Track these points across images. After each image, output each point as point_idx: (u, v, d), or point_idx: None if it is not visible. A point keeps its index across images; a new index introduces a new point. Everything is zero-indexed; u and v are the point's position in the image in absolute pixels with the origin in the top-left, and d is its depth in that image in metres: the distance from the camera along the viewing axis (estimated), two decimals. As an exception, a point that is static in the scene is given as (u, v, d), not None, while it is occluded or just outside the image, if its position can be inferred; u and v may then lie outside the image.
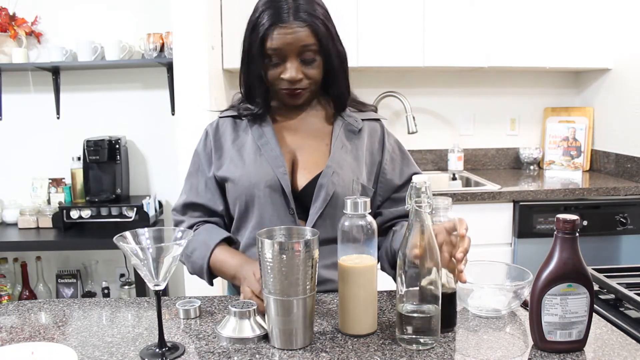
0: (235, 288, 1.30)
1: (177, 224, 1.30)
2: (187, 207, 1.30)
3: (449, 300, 0.97)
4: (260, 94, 1.23)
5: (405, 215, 1.26)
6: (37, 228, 2.68)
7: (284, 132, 1.27)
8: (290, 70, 1.16)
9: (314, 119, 1.29)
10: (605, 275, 1.20)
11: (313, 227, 1.17)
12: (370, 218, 0.97)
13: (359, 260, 0.96)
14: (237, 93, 1.31)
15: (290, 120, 1.28)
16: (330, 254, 1.19)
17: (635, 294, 1.09)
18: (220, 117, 1.31)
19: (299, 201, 1.20)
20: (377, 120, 1.32)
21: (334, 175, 1.20)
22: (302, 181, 1.22)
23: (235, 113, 1.29)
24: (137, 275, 2.59)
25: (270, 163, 1.20)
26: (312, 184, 1.20)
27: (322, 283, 1.19)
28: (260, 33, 1.14)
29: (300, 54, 1.16)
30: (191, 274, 1.27)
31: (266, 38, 1.14)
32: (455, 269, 0.97)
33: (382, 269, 1.25)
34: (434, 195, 0.92)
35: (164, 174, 2.89)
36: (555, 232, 0.88)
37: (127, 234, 0.90)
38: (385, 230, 1.28)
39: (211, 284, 1.26)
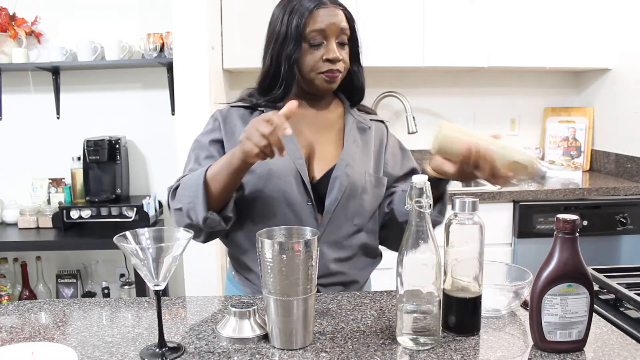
0: (238, 277, 1.28)
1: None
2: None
3: (474, 304, 0.95)
4: (287, 77, 1.22)
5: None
6: (37, 228, 2.68)
7: (299, 125, 1.25)
8: (334, 50, 1.19)
9: (327, 114, 1.30)
10: (605, 275, 1.20)
11: (330, 217, 1.20)
12: None
13: None
14: (245, 89, 1.31)
15: (305, 114, 1.27)
16: (342, 246, 1.21)
17: (635, 294, 1.09)
18: (232, 107, 1.28)
19: (315, 192, 1.21)
20: (382, 122, 1.38)
21: (347, 167, 1.22)
22: (317, 173, 1.23)
23: (248, 104, 1.27)
24: (137, 275, 2.59)
25: (288, 154, 1.17)
26: (327, 175, 1.22)
27: (331, 275, 1.21)
28: (304, 15, 1.17)
29: (337, 36, 1.20)
30: (185, 209, 1.13)
31: (309, 20, 1.17)
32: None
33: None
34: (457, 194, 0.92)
35: (164, 174, 2.89)
36: (555, 232, 0.88)
37: (127, 234, 0.90)
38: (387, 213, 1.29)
39: (207, 210, 1.10)
